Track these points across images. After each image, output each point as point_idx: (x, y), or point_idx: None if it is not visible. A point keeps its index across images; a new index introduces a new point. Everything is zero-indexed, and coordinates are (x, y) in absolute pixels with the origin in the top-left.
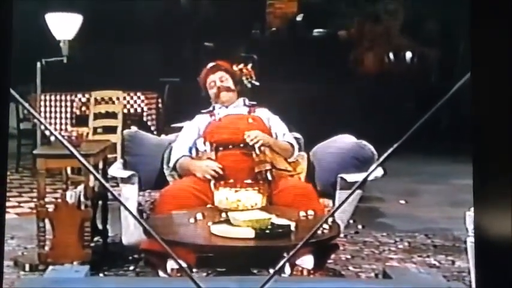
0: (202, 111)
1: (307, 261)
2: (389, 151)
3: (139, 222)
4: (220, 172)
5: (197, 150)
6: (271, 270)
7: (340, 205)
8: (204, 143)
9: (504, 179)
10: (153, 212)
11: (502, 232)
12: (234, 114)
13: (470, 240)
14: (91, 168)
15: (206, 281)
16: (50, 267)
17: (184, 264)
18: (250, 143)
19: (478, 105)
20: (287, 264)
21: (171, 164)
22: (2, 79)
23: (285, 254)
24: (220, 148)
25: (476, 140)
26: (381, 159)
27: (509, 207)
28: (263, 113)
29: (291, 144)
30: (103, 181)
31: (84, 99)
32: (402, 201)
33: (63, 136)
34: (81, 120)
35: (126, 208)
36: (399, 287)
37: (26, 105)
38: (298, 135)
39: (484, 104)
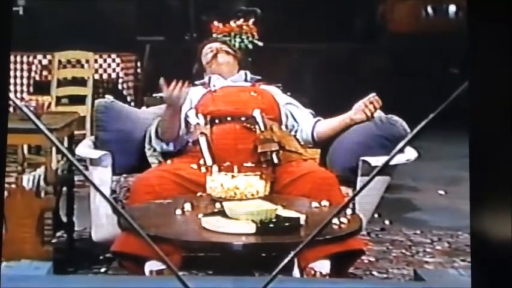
0: (196, 82)
1: (322, 266)
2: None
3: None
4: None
5: (188, 123)
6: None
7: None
8: (197, 115)
9: (503, 180)
10: (127, 202)
11: (500, 233)
12: (233, 86)
13: None
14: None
15: (195, 281)
16: (4, 264)
17: (170, 263)
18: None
19: (476, 112)
20: (295, 267)
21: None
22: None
23: (292, 253)
24: (216, 121)
25: (474, 139)
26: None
27: (508, 207)
28: (270, 88)
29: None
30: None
31: (45, 62)
32: (441, 192)
33: (20, 106)
34: (41, 88)
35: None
36: None
37: None
38: (309, 111)
39: (482, 110)
